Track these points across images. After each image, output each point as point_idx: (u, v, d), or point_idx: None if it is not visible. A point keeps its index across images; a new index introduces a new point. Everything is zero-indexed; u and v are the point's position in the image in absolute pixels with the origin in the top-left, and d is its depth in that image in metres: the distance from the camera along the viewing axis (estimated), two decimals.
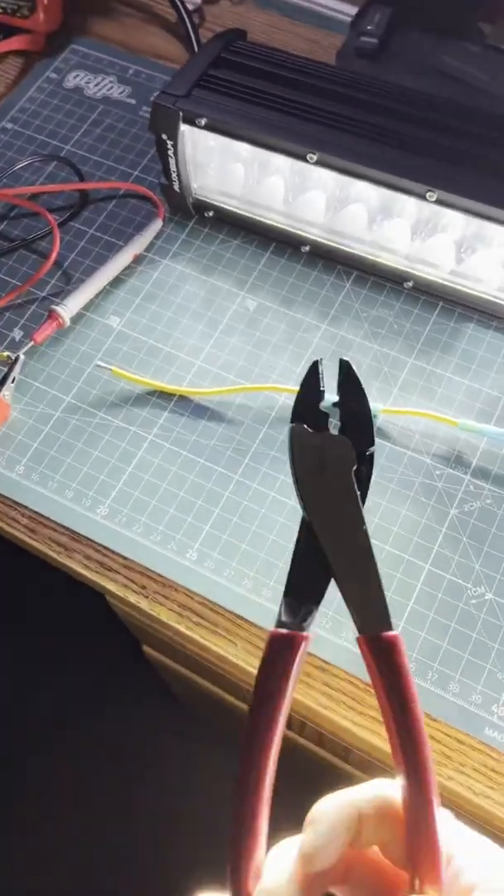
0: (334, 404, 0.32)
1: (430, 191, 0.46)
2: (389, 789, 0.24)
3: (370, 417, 0.32)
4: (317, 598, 0.29)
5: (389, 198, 0.53)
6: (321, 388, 0.32)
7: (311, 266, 0.56)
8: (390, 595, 0.45)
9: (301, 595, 0.29)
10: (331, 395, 0.32)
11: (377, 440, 0.49)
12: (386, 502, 0.47)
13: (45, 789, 1.03)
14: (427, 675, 0.43)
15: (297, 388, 0.33)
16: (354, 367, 0.33)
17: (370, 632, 0.27)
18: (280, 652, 0.27)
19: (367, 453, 0.30)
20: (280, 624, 0.28)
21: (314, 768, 0.63)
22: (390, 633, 0.27)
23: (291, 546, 0.46)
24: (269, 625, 0.45)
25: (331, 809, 0.23)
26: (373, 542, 0.46)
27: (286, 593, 0.29)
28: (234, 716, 0.68)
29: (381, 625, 0.27)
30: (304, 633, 0.28)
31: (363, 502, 0.30)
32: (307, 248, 0.56)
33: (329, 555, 0.29)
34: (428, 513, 0.47)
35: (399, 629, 0.43)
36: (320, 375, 0.33)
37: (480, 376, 0.51)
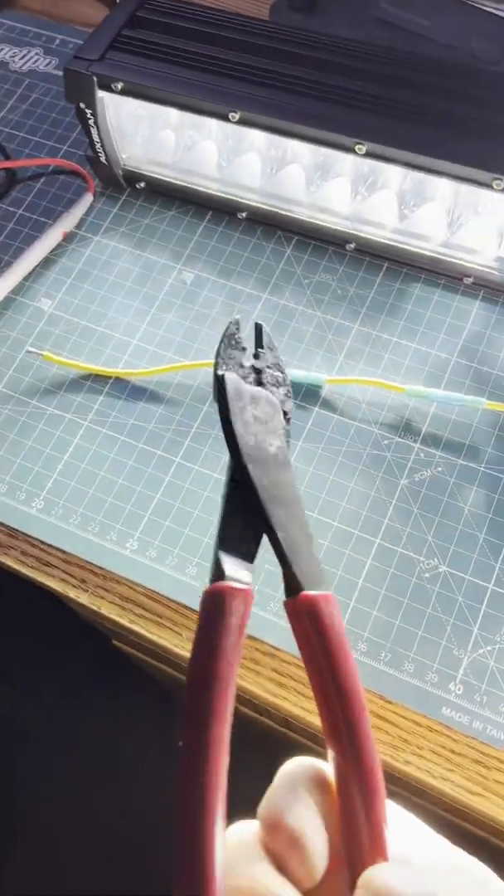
0: (253, 367, 0.30)
1: (358, 143, 0.44)
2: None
3: (288, 382, 0.30)
4: (251, 557, 0.26)
5: (326, 156, 0.51)
6: (243, 347, 0.31)
7: (249, 233, 0.53)
8: (339, 573, 0.42)
9: (238, 550, 0.26)
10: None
11: (322, 411, 0.47)
12: (334, 476, 0.45)
13: (36, 791, 1.02)
14: (380, 655, 0.41)
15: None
16: (267, 329, 0.31)
17: (293, 594, 0.24)
18: (225, 608, 0.23)
19: (287, 417, 0.29)
20: (219, 578, 0.24)
21: (286, 751, 0.62)
22: (310, 592, 0.24)
23: None
24: None
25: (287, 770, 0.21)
26: (321, 518, 0.44)
27: (221, 547, 0.25)
28: None
29: (308, 585, 0.24)
30: (250, 588, 0.24)
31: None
32: (245, 215, 0.53)
33: (264, 507, 0.26)
34: (377, 485, 0.45)
35: (349, 609, 0.41)
36: (238, 333, 0.31)
37: (428, 338, 0.49)
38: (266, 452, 0.28)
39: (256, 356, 0.31)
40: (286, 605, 0.25)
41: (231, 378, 0.29)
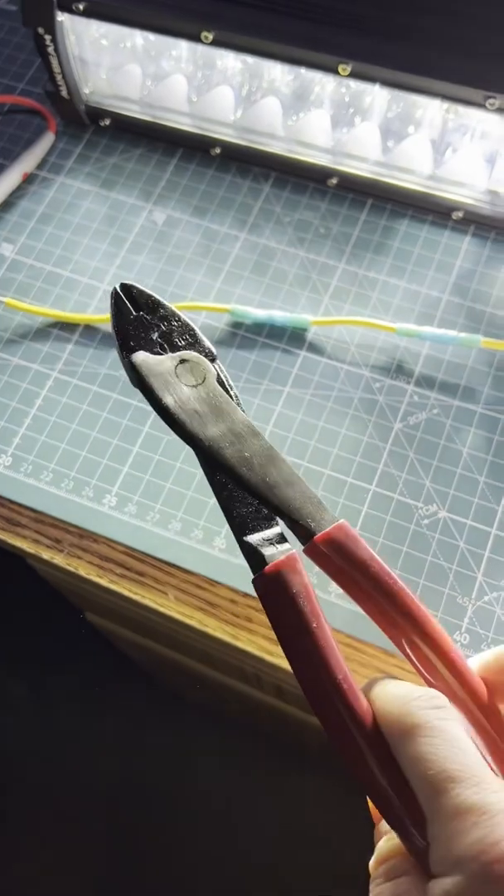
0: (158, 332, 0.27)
1: (342, 63, 0.40)
2: None
3: (189, 326, 0.27)
4: (269, 521, 0.25)
5: (304, 86, 0.47)
6: (135, 313, 0.27)
7: (224, 170, 0.50)
8: None
9: (256, 526, 0.25)
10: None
11: (309, 354, 0.44)
12: (323, 423, 0.42)
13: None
14: None
15: (220, 305, 0.35)
16: (138, 285, 0.28)
17: (308, 541, 0.24)
18: (283, 588, 0.23)
19: (212, 359, 0.27)
20: (260, 564, 0.24)
21: (286, 729, 0.60)
22: (322, 532, 0.24)
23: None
24: (204, 569, 0.40)
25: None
26: (311, 466, 0.41)
27: (241, 534, 0.25)
28: (192, 676, 0.64)
29: (317, 527, 0.24)
30: (292, 552, 0.24)
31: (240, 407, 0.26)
32: (218, 151, 0.50)
33: (242, 476, 0.25)
34: (370, 430, 0.42)
35: None
36: (123, 301, 0.28)
37: (418, 276, 0.46)
38: (216, 418, 0.25)
39: (148, 319, 0.27)
40: (308, 553, 0.24)
41: (142, 359, 0.26)
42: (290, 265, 0.47)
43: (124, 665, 0.76)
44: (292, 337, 0.45)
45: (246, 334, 0.45)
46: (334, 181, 0.48)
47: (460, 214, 0.47)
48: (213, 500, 0.40)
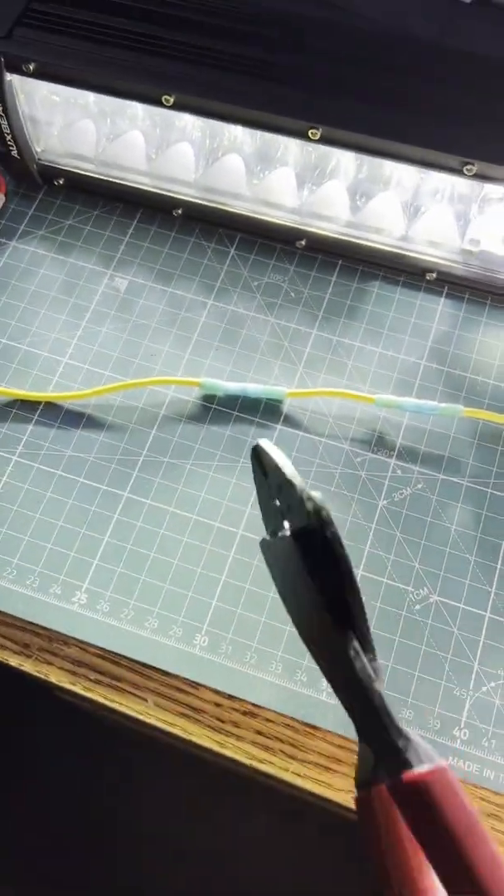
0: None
1: (312, 128, 0.39)
2: None
3: (296, 490, 0.24)
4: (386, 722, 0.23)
5: (268, 144, 0.46)
6: (265, 479, 0.26)
7: (187, 232, 0.48)
8: None
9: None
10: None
11: (286, 427, 0.42)
12: None
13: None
14: None
15: (187, 378, 0.34)
16: (264, 447, 0.26)
17: (383, 779, 0.22)
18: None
19: (307, 528, 0.23)
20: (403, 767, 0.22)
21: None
22: (414, 771, 0.21)
23: (199, 570, 0.38)
24: (185, 670, 0.37)
25: None
26: None
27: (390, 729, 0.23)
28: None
29: (395, 765, 0.21)
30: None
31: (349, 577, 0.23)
32: (180, 212, 0.48)
33: (329, 682, 0.25)
34: (354, 508, 0.40)
35: None
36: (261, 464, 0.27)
37: (394, 342, 0.44)
38: (308, 616, 0.25)
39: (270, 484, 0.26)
40: (382, 791, 0.22)
41: (263, 545, 0.27)
42: (260, 332, 0.45)
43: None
44: (267, 409, 0.43)
45: (219, 408, 0.43)
46: (302, 243, 0.46)
47: (434, 276, 0.45)
48: (191, 593, 0.38)
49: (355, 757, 0.36)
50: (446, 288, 0.46)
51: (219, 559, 0.39)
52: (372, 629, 0.36)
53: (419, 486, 0.41)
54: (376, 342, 0.44)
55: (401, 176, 0.44)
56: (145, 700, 0.37)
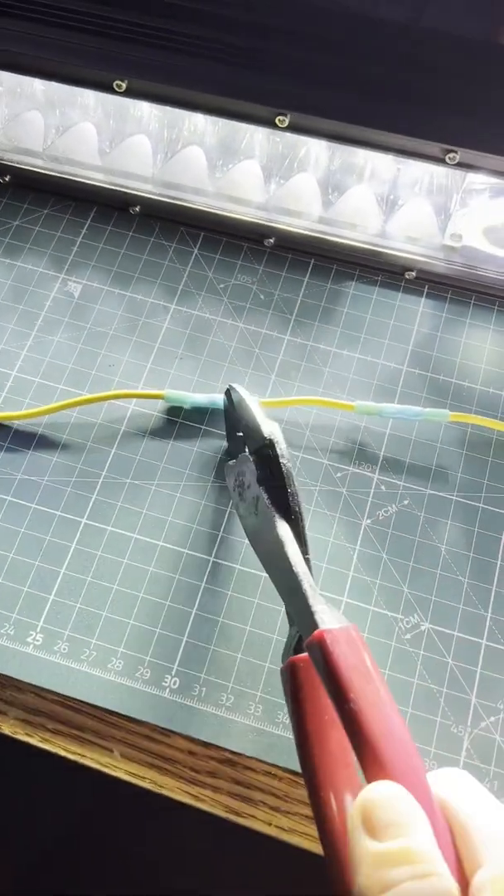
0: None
1: (279, 114, 0.35)
2: None
3: (252, 415, 0.31)
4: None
5: (231, 134, 0.42)
6: (235, 416, 0.33)
7: (146, 231, 0.44)
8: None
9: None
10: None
11: None
12: None
13: None
14: None
15: (149, 390, 0.38)
16: (237, 388, 0.33)
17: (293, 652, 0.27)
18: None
19: (264, 448, 0.30)
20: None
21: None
22: (321, 629, 0.24)
23: (167, 603, 0.35)
24: (154, 716, 0.34)
25: None
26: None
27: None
28: None
29: (310, 630, 0.24)
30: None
31: (290, 495, 0.29)
32: (138, 209, 0.44)
33: (271, 577, 0.29)
34: (335, 529, 0.37)
35: None
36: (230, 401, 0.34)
37: (373, 346, 0.41)
38: (256, 519, 0.31)
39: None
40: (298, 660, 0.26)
41: (225, 466, 0.35)
42: (228, 339, 0.41)
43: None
44: None
45: (185, 422, 0.39)
46: (271, 241, 0.43)
47: (413, 274, 0.42)
48: (160, 629, 0.34)
49: None
50: (427, 287, 0.43)
51: (189, 590, 0.35)
52: None
53: (405, 502, 0.38)
54: (354, 347, 0.41)
55: (376, 167, 0.41)
56: (111, 751, 0.33)
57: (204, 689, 0.34)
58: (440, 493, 0.38)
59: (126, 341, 0.41)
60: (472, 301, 0.42)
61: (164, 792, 0.32)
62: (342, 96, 0.36)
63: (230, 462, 0.33)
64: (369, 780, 0.21)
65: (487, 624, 0.35)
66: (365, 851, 0.20)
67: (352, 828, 0.20)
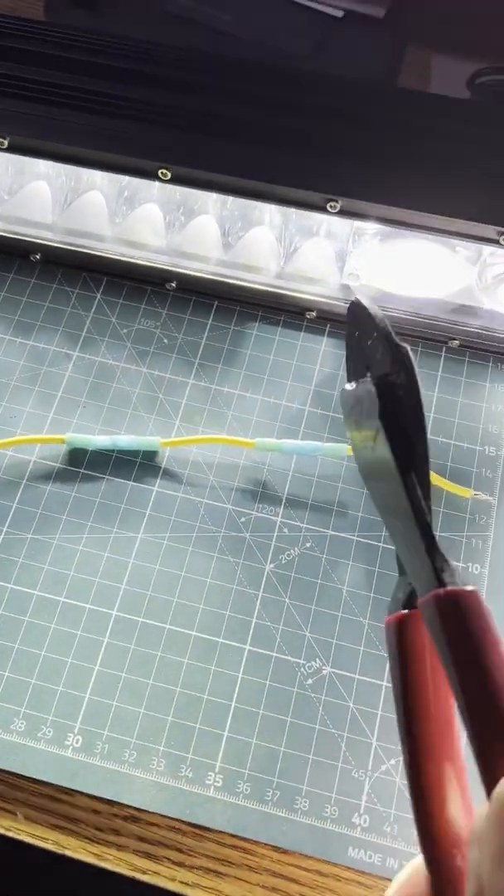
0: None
1: (162, 168, 0.35)
2: None
3: (383, 332, 0.27)
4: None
5: (129, 180, 0.42)
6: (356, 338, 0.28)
7: (47, 278, 0.44)
8: (206, 696, 0.34)
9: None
10: None
11: (164, 490, 0.39)
12: (185, 573, 0.37)
13: None
14: (265, 795, 0.33)
15: (52, 436, 0.37)
16: (363, 301, 0.28)
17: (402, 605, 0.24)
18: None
19: (390, 375, 0.26)
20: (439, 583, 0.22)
21: None
22: (450, 588, 0.22)
23: (69, 661, 0.35)
24: (57, 776, 0.34)
25: None
26: (176, 629, 0.36)
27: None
28: None
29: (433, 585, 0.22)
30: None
31: (421, 426, 0.26)
32: (39, 256, 0.44)
33: (383, 520, 0.26)
34: (239, 575, 0.37)
35: (223, 740, 0.33)
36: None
37: (275, 387, 0.42)
38: (375, 456, 0.26)
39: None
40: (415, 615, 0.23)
41: (341, 394, 0.29)
42: (132, 385, 0.41)
43: None
44: (143, 469, 0.39)
45: (88, 471, 0.39)
46: (173, 285, 0.43)
47: (314, 314, 0.43)
48: (62, 687, 0.34)
49: (247, 858, 0.33)
50: (328, 326, 0.43)
51: (91, 646, 0.35)
52: (261, 711, 0.34)
53: (308, 544, 0.38)
54: (257, 389, 0.41)
55: (273, 210, 0.42)
56: (14, 814, 0.33)
57: (107, 745, 0.34)
58: (341, 534, 0.38)
59: (27, 392, 0.41)
60: None
61: (68, 853, 0.32)
62: (225, 146, 0.36)
63: (347, 385, 0.29)
64: (490, 761, 0.19)
65: (386, 665, 0.36)
66: None
67: (492, 823, 0.18)
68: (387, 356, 0.26)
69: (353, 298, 0.28)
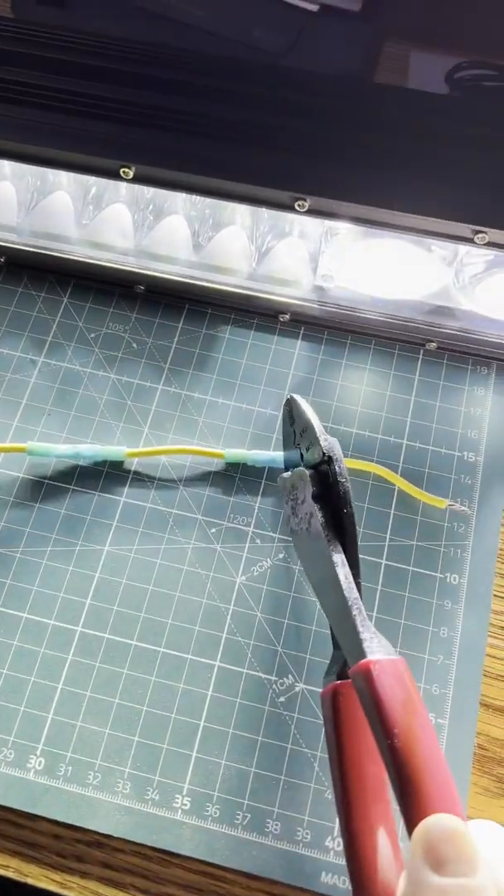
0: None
1: (124, 166, 0.34)
2: None
3: (312, 428, 0.30)
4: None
5: (97, 179, 0.41)
6: (292, 428, 0.33)
7: (13, 281, 0.43)
8: (174, 716, 0.33)
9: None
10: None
11: (131, 500, 0.37)
12: (153, 586, 0.36)
13: None
14: (235, 818, 0.32)
15: (13, 444, 0.37)
16: (297, 399, 0.32)
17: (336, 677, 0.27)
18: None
19: (321, 464, 0.29)
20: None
21: None
22: (369, 658, 0.23)
23: (32, 679, 0.33)
24: (18, 801, 0.32)
25: None
26: (142, 645, 0.35)
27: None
28: None
29: (357, 657, 0.24)
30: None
31: (347, 516, 0.28)
32: (3, 260, 0.42)
33: (317, 594, 0.30)
34: (209, 589, 0.36)
35: (191, 761, 0.32)
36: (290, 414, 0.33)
37: (248, 393, 0.40)
38: (309, 538, 0.30)
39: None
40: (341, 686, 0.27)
41: (280, 481, 0.35)
42: (99, 391, 0.40)
43: None
44: (109, 479, 0.38)
45: (52, 482, 0.38)
46: (142, 287, 0.42)
47: (287, 317, 0.41)
48: (24, 707, 0.33)
49: (217, 884, 0.31)
50: (303, 329, 0.42)
51: (55, 664, 0.34)
52: (231, 730, 0.32)
53: (280, 555, 0.37)
54: (229, 395, 0.40)
55: (244, 209, 0.40)
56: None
57: (70, 768, 0.32)
58: None
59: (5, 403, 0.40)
60: (349, 341, 0.41)
61: (30, 881, 0.31)
62: (190, 143, 0.35)
63: (284, 474, 0.33)
64: (411, 817, 0.21)
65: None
66: (427, 885, 0.19)
67: (413, 858, 0.20)
68: (317, 447, 0.29)
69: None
